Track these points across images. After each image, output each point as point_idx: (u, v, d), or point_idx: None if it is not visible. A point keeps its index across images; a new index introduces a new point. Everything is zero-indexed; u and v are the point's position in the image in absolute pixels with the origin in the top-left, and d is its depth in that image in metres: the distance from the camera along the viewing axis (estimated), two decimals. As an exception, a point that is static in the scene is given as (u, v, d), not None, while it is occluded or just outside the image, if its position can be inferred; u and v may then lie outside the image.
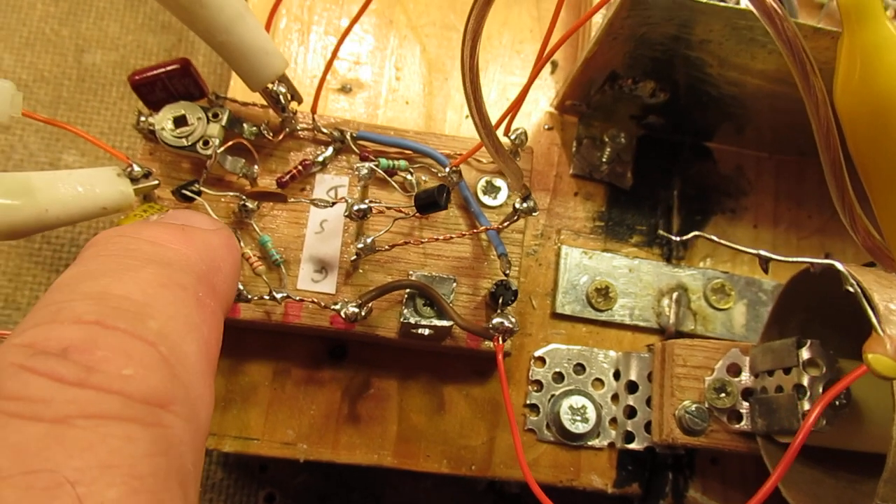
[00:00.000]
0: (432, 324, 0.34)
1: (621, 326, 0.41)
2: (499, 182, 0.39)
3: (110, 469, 0.18)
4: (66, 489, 0.17)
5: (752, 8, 0.21)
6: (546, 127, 0.44)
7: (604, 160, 0.43)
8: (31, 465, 0.17)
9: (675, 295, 0.42)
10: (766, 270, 0.27)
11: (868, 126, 0.24)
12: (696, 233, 0.28)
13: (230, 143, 0.35)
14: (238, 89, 0.41)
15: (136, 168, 0.34)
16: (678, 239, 0.33)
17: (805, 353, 0.33)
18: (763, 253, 0.27)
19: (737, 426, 0.36)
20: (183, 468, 0.20)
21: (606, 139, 0.43)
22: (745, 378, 0.37)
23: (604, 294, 0.41)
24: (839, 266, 0.25)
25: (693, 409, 0.36)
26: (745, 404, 0.36)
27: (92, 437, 0.18)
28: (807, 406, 0.32)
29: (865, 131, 0.24)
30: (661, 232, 0.39)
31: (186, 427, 0.20)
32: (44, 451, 0.17)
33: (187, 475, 0.20)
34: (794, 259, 0.27)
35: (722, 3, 0.33)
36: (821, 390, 0.32)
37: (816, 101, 0.22)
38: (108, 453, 0.18)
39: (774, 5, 0.21)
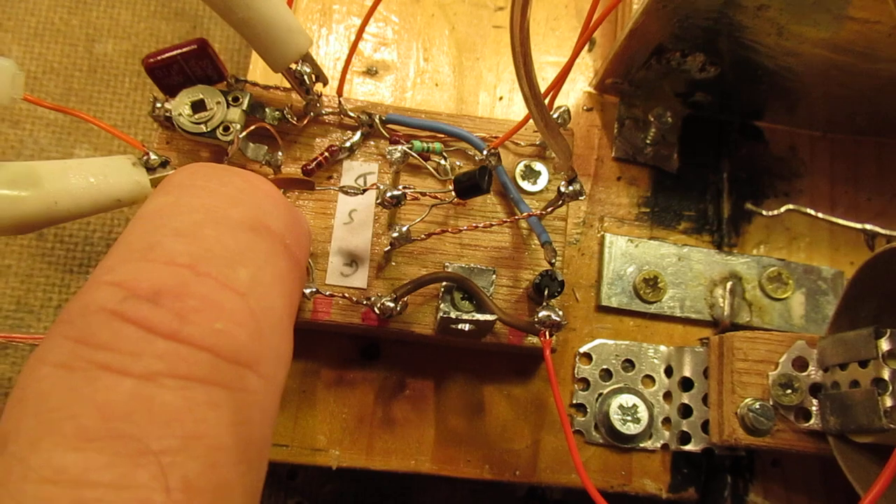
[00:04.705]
0: (474, 318, 0.31)
1: (671, 319, 0.39)
2: (538, 166, 0.36)
3: (194, 440, 0.17)
4: (150, 459, 0.16)
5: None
6: (585, 108, 0.41)
7: (648, 142, 0.40)
8: (117, 428, 0.17)
9: (728, 285, 0.39)
10: (871, 248, 0.24)
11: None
12: (790, 206, 0.25)
13: (252, 128, 0.33)
14: (258, 73, 0.39)
15: (153, 156, 0.32)
16: (767, 214, 0.30)
17: (885, 344, 0.30)
18: (869, 227, 0.24)
19: (805, 425, 0.33)
20: (262, 437, 0.19)
21: (651, 119, 0.40)
22: (813, 372, 0.34)
23: (652, 285, 0.38)
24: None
25: (757, 406, 0.33)
26: (814, 401, 0.33)
27: (179, 403, 0.17)
28: (889, 402, 0.29)
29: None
30: (748, 206, 0.36)
31: (267, 389, 0.20)
32: (131, 414, 0.17)
33: (264, 442, 0.20)
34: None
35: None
36: (905, 384, 0.29)
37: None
38: (194, 423, 0.17)
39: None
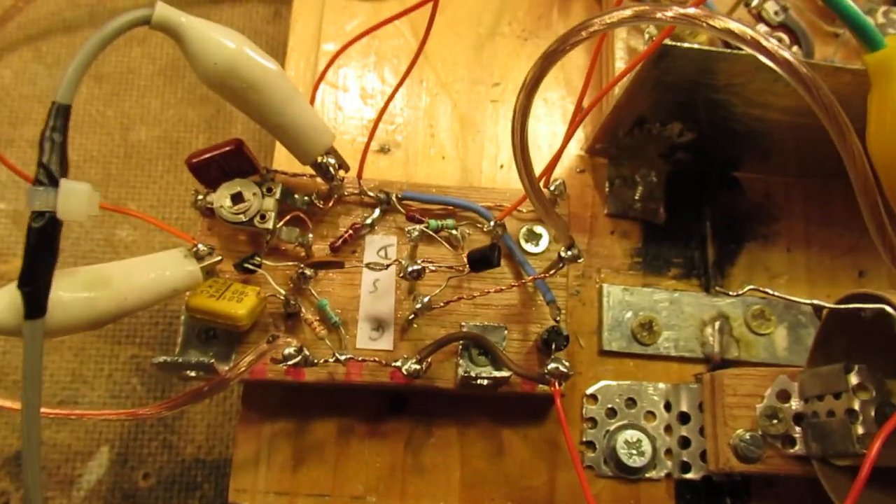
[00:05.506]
0: (491, 375, 0.36)
1: (667, 358, 0.43)
2: (539, 229, 0.41)
3: None
4: None
5: (788, 78, 0.23)
6: (578, 170, 0.46)
7: (636, 198, 0.45)
8: None
9: (717, 324, 0.43)
10: (820, 319, 0.28)
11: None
12: (751, 287, 0.29)
13: (288, 217, 0.37)
14: (282, 159, 0.43)
15: (202, 247, 0.36)
16: (734, 294, 0.34)
17: (854, 379, 0.34)
18: (816, 302, 0.28)
19: (791, 451, 0.37)
20: None
21: (637, 178, 0.44)
22: (795, 403, 0.38)
23: (648, 328, 0.43)
24: (890, 310, 0.27)
25: (747, 437, 0.37)
26: (798, 429, 0.37)
27: None
28: (860, 430, 0.33)
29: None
30: (717, 289, 0.41)
31: None
32: None
33: None
34: (847, 306, 0.28)
35: (745, 52, 0.34)
36: (872, 413, 0.33)
37: (853, 155, 0.24)
38: None
39: (809, 74, 0.22)
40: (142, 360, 0.48)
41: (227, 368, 0.34)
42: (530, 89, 0.25)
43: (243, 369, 0.34)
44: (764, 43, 0.22)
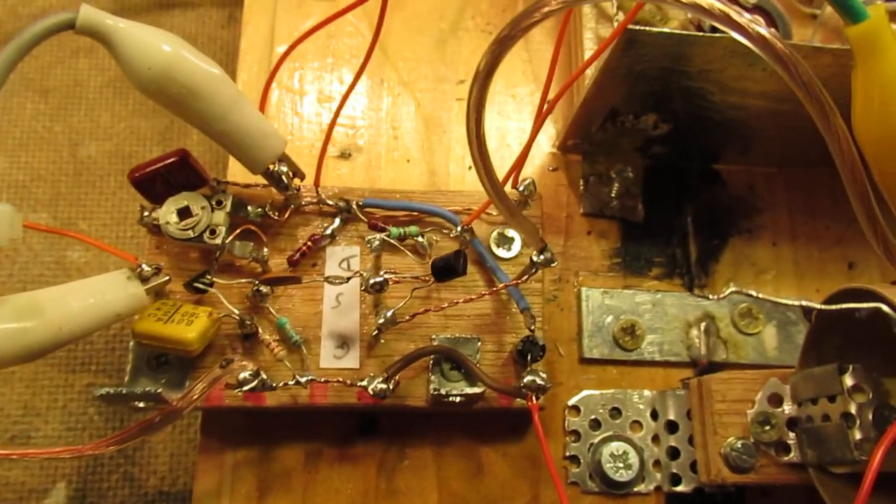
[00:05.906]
0: (464, 392, 0.33)
1: (652, 364, 0.40)
2: (511, 233, 0.38)
3: None
4: None
5: (763, 56, 0.20)
6: (551, 168, 0.43)
7: (613, 196, 0.42)
8: None
9: (703, 325, 0.41)
10: (810, 321, 0.26)
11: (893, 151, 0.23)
12: (733, 289, 0.27)
13: (238, 230, 0.34)
14: (238, 169, 0.40)
15: (146, 267, 0.33)
16: (715, 298, 0.32)
17: (849, 380, 0.32)
18: (805, 303, 0.26)
19: (786, 458, 0.35)
20: None
21: (613, 175, 0.42)
22: (788, 407, 0.35)
23: (630, 332, 0.40)
24: (887, 309, 0.24)
25: (739, 445, 0.35)
26: (792, 435, 0.35)
27: None
28: (858, 435, 0.31)
29: (891, 158, 0.23)
30: (696, 292, 0.39)
31: None
32: None
33: None
34: (839, 307, 0.26)
35: (718, 35, 0.32)
36: (870, 417, 0.31)
37: (838, 139, 0.22)
38: None
39: (786, 51, 0.20)
40: (98, 389, 0.45)
41: (178, 397, 0.32)
42: (483, 80, 0.23)
43: (196, 397, 0.31)
44: (735, 17, 0.19)
